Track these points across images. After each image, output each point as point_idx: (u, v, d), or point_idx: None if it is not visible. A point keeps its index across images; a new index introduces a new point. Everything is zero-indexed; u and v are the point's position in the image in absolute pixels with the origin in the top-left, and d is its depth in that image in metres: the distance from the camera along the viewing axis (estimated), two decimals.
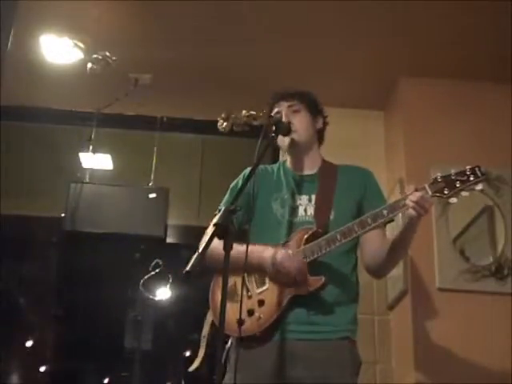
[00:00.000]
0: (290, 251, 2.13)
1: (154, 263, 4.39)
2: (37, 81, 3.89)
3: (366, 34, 3.43)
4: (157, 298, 5.14)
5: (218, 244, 2.22)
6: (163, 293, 5.18)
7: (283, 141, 2.33)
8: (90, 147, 4.13)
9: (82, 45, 3.58)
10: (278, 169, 2.42)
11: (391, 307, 3.58)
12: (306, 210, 2.26)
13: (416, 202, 2.03)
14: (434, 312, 3.25)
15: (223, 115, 3.78)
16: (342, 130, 3.93)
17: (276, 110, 2.37)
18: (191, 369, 2.26)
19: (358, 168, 2.44)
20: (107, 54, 3.56)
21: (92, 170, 4.32)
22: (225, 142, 4.29)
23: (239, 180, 2.42)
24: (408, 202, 2.05)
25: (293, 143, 2.32)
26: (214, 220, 2.35)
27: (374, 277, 2.34)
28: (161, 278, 4.64)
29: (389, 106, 3.94)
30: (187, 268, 1.67)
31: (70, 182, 3.92)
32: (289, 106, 2.36)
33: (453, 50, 3.47)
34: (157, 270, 4.37)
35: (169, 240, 4.03)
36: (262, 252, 2.11)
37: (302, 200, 2.29)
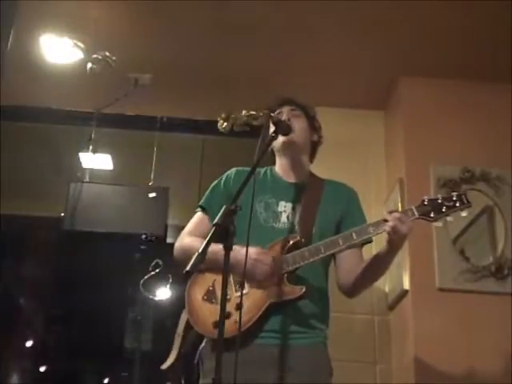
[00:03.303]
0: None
1: (154, 263, 4.38)
2: (37, 81, 3.89)
3: (366, 34, 3.43)
4: (157, 298, 5.13)
5: (193, 240, 2.24)
6: (163, 293, 5.17)
7: (278, 141, 2.30)
8: (90, 147, 4.13)
9: (81, 45, 3.58)
10: (265, 172, 2.41)
11: (391, 307, 3.58)
12: (288, 218, 2.26)
13: (397, 219, 2.05)
14: (434, 312, 3.25)
15: (223, 115, 3.77)
16: (342, 130, 3.95)
17: (278, 111, 2.39)
18: (164, 366, 2.26)
19: (344, 186, 2.44)
20: (107, 54, 3.55)
21: (92, 170, 4.32)
22: (225, 142, 4.29)
23: (221, 180, 2.40)
24: (387, 216, 2.08)
25: (289, 143, 2.31)
26: (195, 218, 2.36)
27: (346, 295, 2.32)
28: (161, 278, 4.64)
29: (389, 105, 3.94)
30: (187, 268, 1.66)
31: (69, 182, 3.92)
32: (291, 110, 2.39)
33: (453, 49, 3.48)
34: (157, 270, 4.36)
35: (169, 240, 4.03)
36: (239, 249, 1.98)
37: (286, 207, 2.28)
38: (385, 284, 3.62)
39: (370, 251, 2.27)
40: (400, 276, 3.38)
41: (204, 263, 1.97)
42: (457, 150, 3.56)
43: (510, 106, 3.58)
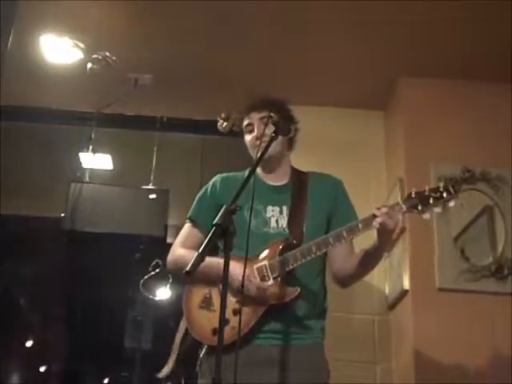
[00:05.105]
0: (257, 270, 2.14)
1: (154, 263, 4.39)
2: (37, 81, 3.89)
3: (366, 35, 3.43)
4: (157, 298, 5.14)
5: (184, 252, 2.27)
6: (163, 293, 5.18)
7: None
8: (90, 147, 4.13)
9: (81, 45, 3.58)
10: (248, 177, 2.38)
11: (391, 307, 3.58)
12: (277, 222, 2.27)
13: (385, 214, 2.07)
14: (434, 312, 3.25)
15: (223, 115, 3.79)
16: (342, 130, 3.95)
17: (247, 122, 2.35)
18: (161, 375, 2.28)
19: (328, 177, 2.43)
20: (107, 54, 3.56)
21: (92, 170, 4.32)
22: (225, 142, 4.29)
23: (208, 189, 2.40)
24: (376, 211, 2.09)
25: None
26: (189, 221, 2.37)
27: (339, 286, 2.34)
28: (161, 278, 4.64)
29: (389, 105, 3.94)
30: (187, 268, 1.66)
31: (70, 182, 3.92)
32: (260, 118, 2.32)
33: (452, 49, 3.47)
34: (157, 270, 4.37)
35: (169, 240, 4.03)
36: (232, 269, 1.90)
37: (274, 211, 2.28)
38: (385, 284, 3.62)
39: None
40: (400, 276, 3.38)
41: (198, 275, 1.98)
42: (457, 150, 3.56)
43: (510, 105, 3.58)
